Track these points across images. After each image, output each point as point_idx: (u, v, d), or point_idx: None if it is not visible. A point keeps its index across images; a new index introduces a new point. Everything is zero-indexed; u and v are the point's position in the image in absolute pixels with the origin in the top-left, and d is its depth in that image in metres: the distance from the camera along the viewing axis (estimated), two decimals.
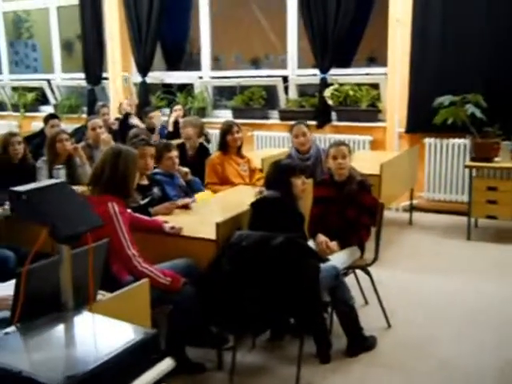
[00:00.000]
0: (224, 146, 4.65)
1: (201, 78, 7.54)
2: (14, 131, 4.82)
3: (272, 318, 2.97)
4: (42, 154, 4.79)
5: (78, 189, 4.14)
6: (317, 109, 6.53)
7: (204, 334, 3.15)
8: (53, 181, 1.54)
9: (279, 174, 3.19)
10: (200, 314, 2.94)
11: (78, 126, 6.79)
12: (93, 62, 8.05)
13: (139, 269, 2.77)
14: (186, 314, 2.85)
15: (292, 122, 4.89)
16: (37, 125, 7.52)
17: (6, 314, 1.96)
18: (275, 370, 3.10)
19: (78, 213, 1.48)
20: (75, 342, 1.54)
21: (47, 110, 8.49)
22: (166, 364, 1.47)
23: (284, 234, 2.83)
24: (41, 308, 1.70)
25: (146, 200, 3.62)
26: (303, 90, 7.00)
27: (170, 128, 6.50)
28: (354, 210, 3.46)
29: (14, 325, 1.62)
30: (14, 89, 9.12)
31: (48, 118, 5.73)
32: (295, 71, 6.89)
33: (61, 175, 3.70)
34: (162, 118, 6.77)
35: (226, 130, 4.64)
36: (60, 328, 1.63)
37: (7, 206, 3.82)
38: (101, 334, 1.61)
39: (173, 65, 8.28)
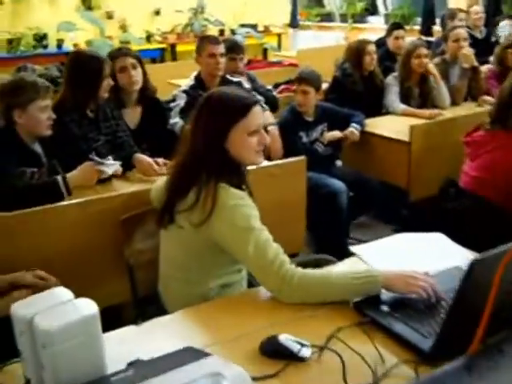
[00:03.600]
0: None
1: None
2: (368, 39, 4.24)
3: None
4: (385, 66, 4.31)
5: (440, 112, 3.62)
6: None
7: None
8: None
9: None
10: None
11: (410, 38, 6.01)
12: None
13: None
14: None
15: None
16: (365, 36, 6.97)
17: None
18: None
19: None
20: None
21: (375, 20, 7.92)
22: None
23: None
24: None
25: None
26: None
27: None
28: None
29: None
30: None
31: (392, 29, 5.02)
32: None
33: None
34: None
35: None
36: None
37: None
38: None
39: None
